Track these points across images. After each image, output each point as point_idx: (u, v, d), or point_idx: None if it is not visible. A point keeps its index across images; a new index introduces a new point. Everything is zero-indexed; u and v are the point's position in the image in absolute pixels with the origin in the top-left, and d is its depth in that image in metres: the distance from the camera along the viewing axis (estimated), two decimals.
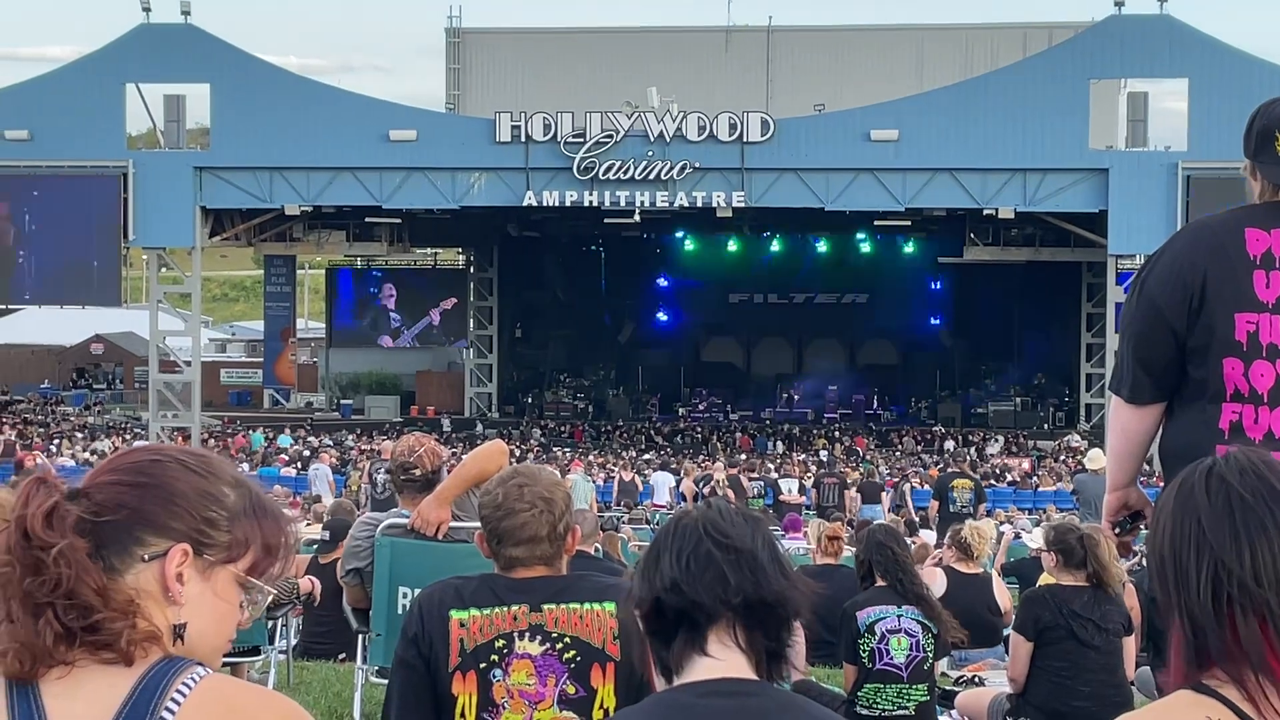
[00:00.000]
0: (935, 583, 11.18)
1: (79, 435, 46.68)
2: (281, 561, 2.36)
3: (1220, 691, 2.15)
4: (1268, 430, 3.64)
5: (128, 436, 46.07)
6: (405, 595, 6.44)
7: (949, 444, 50.10)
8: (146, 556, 2.21)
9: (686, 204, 45.34)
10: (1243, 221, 3.70)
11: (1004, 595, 12.10)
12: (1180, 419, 3.83)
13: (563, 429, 54.80)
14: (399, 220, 50.84)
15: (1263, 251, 3.67)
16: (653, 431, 54.28)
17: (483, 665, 4.27)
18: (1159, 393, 3.87)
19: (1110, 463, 4.15)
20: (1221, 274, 3.67)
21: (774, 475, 31.09)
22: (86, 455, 40.73)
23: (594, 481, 32.40)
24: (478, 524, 4.61)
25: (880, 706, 8.43)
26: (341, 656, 11.09)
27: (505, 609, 4.31)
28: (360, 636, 7.22)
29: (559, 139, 44.74)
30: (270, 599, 2.38)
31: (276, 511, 2.38)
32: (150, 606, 2.21)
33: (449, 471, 6.80)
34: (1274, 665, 2.11)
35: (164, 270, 48.85)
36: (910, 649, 8.42)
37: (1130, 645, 8.55)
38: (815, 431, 53.61)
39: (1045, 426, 53.62)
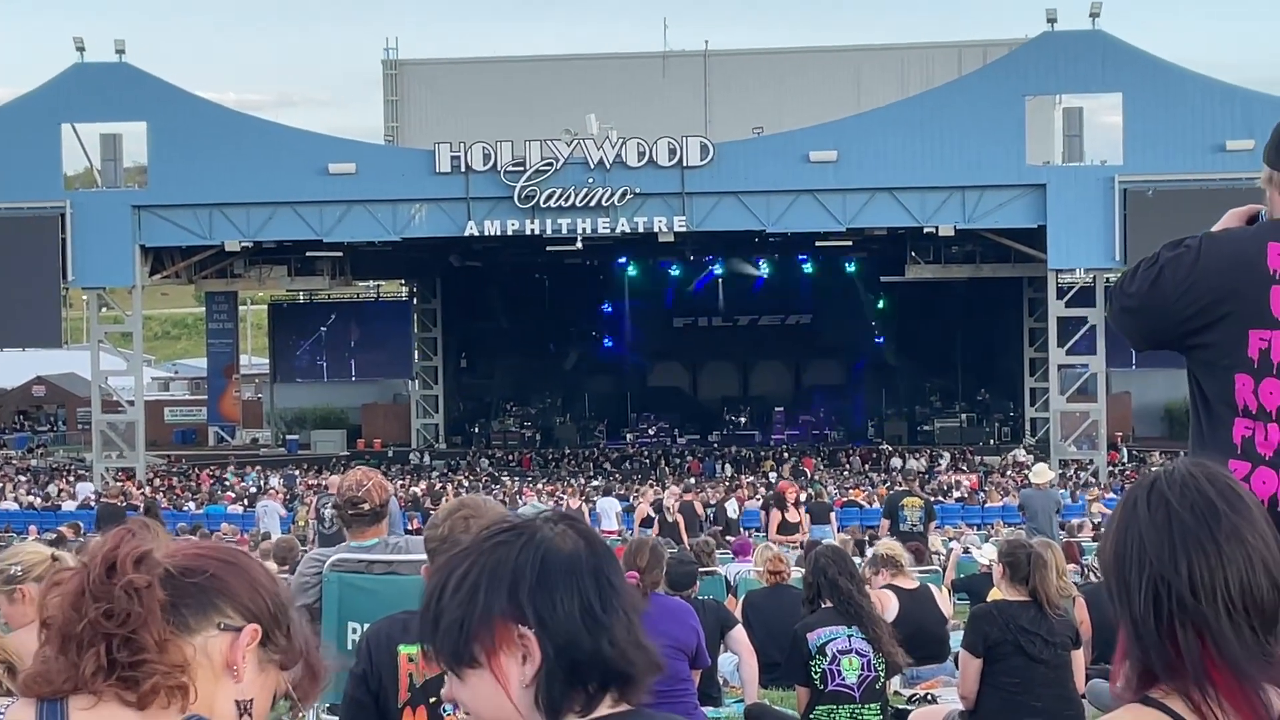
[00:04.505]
0: (890, 605, 11.20)
1: (22, 479, 46.21)
2: (319, 691, 2.45)
3: (1166, 703, 2.16)
4: (1277, 447, 3.59)
5: (71, 479, 45.63)
6: (354, 630, 6.40)
7: (896, 461, 50.26)
8: (222, 625, 2.29)
9: (628, 230, 45.38)
10: (1267, 236, 3.64)
11: (946, 603, 12.17)
12: (1198, 433, 3.77)
13: (511, 458, 54.65)
14: (340, 254, 50.66)
15: None
16: (601, 458, 54.24)
17: (433, 700, 4.25)
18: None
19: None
20: (1240, 287, 3.59)
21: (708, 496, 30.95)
22: (31, 499, 40.33)
23: None
24: (424, 556, 4.59)
25: None
26: None
27: None
28: None
29: (499, 168, 44.70)
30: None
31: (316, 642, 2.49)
32: (201, 675, 2.28)
33: (398, 504, 6.77)
34: (1215, 678, 2.13)
35: (104, 310, 48.55)
36: (862, 669, 8.43)
37: (1079, 658, 8.59)
38: (763, 453, 53.70)
39: (991, 442, 53.86)
